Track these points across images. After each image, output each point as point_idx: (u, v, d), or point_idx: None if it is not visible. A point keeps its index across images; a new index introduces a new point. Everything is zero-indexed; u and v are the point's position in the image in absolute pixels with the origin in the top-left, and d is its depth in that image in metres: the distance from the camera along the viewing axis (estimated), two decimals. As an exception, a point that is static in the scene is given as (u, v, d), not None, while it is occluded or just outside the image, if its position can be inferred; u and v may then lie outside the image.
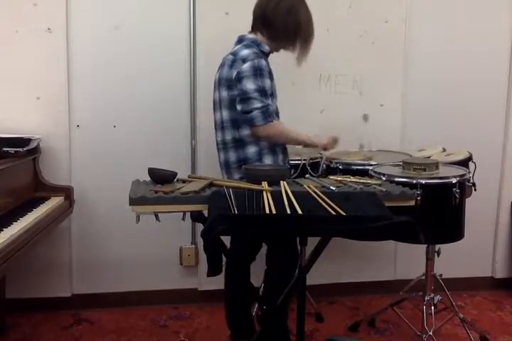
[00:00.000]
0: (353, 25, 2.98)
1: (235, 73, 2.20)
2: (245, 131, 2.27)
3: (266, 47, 2.30)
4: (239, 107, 2.21)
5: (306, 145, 2.41)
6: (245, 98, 2.19)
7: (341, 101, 3.03)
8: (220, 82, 2.29)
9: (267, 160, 2.30)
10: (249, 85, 2.17)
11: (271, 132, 2.24)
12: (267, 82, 2.22)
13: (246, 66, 2.18)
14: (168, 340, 2.66)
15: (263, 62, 2.23)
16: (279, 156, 2.35)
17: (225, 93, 2.26)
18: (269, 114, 2.21)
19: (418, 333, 2.52)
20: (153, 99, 2.87)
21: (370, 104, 3.06)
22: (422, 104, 3.11)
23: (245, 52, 2.22)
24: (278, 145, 2.35)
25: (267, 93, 2.21)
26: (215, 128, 2.39)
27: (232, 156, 2.32)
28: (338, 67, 3.00)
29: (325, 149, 2.47)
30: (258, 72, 2.18)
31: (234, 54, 2.26)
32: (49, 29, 2.73)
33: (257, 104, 2.18)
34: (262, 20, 2.29)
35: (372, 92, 3.06)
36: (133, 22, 2.81)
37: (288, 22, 2.26)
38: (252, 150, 2.28)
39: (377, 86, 3.06)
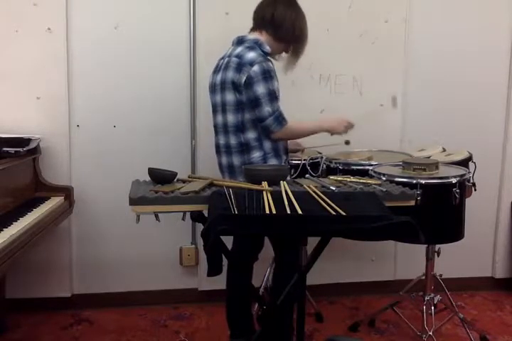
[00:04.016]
0: (353, 25, 2.98)
1: (244, 78, 2.17)
2: (251, 135, 2.26)
3: (267, 48, 2.28)
4: (251, 115, 2.23)
5: (325, 131, 2.41)
6: (256, 104, 2.20)
7: (341, 101, 3.03)
8: (225, 85, 2.25)
9: (272, 163, 2.29)
10: (260, 89, 2.18)
11: (288, 133, 2.29)
12: (275, 84, 2.23)
13: (255, 70, 2.16)
14: (168, 340, 2.67)
15: (270, 63, 2.24)
16: (282, 158, 2.35)
17: (230, 96, 2.24)
18: (282, 118, 2.24)
19: (418, 333, 2.52)
20: (153, 99, 2.87)
21: (370, 104, 3.05)
22: (422, 104, 3.11)
23: (251, 55, 2.20)
24: (281, 148, 2.35)
25: (276, 96, 2.22)
26: (216, 131, 2.38)
27: (237, 160, 2.30)
28: (338, 67, 3.00)
29: (336, 133, 2.42)
30: (267, 75, 2.19)
31: (239, 57, 2.22)
32: (49, 29, 2.74)
33: (268, 110, 2.19)
34: (270, 20, 2.27)
35: (372, 92, 3.06)
36: (133, 22, 2.81)
37: (295, 23, 2.27)
38: (257, 154, 2.28)
39: (377, 86, 3.06)
